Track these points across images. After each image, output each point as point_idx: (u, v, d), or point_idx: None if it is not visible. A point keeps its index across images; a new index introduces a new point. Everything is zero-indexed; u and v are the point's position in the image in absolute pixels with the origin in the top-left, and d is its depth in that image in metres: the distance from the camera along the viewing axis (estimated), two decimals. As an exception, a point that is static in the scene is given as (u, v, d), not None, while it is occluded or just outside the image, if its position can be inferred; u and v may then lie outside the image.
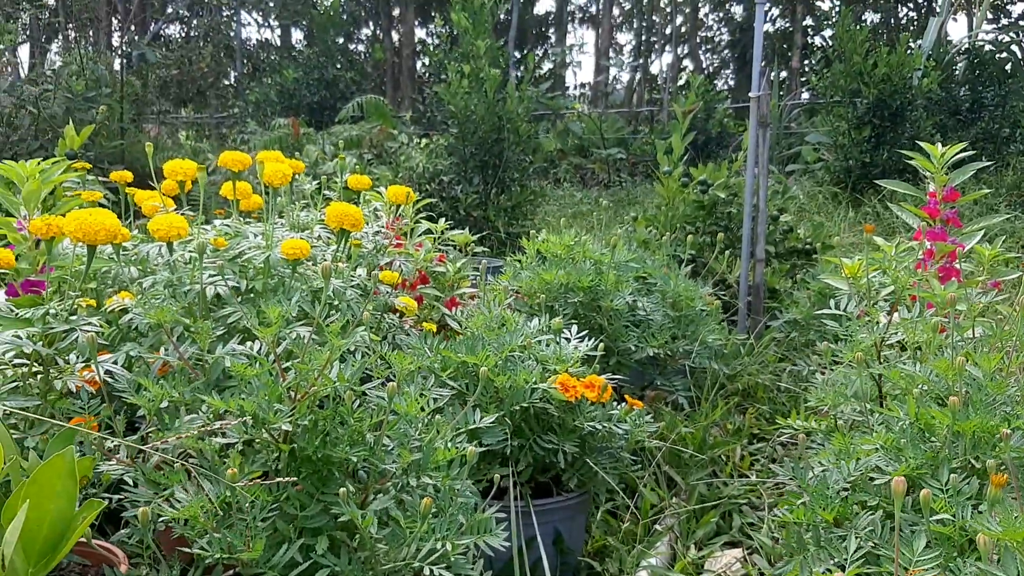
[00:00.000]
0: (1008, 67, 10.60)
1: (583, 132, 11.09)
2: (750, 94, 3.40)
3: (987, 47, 10.54)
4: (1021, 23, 17.79)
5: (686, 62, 20.67)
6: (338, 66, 11.25)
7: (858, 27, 7.46)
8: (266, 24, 18.75)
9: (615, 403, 2.02)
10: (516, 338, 1.93)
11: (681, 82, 16.08)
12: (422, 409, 1.52)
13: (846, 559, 1.25)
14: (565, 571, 1.92)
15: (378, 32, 18.95)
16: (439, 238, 3.10)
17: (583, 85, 20.58)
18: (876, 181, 3.43)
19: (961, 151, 2.37)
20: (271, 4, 16.23)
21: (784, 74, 19.02)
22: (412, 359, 1.54)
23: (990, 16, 18.33)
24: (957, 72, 10.60)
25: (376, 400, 1.53)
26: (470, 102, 5.43)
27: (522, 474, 1.84)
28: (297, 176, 2.39)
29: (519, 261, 2.75)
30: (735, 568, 2.03)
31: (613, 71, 21.03)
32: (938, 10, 11.32)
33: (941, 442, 1.36)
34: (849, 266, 2.27)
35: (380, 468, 1.36)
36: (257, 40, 19.17)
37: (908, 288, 1.90)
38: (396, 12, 20.26)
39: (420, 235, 3.10)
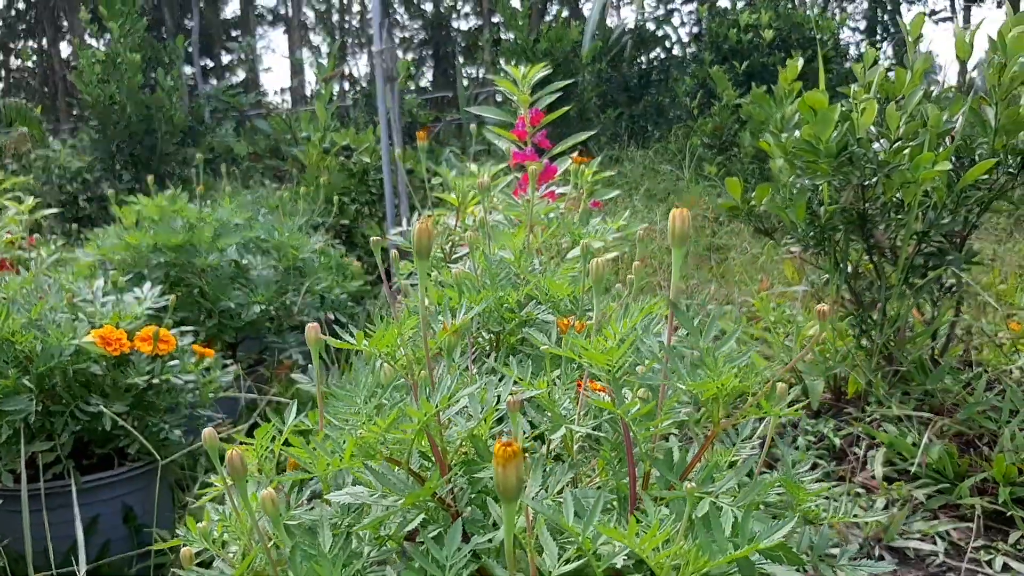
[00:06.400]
0: (670, 45, 11.60)
1: (272, 131, 10.68)
2: (372, 48, 3.33)
3: (648, 25, 11.44)
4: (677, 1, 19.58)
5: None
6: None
7: (519, 7, 7.73)
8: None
9: (192, 357, 1.83)
10: (53, 296, 1.68)
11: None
12: None
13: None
14: (142, 547, 1.71)
15: (43, 43, 17.22)
16: (26, 219, 2.75)
17: (283, 90, 20.00)
18: (467, 109, 3.49)
19: (567, 85, 2.42)
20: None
21: (483, 71, 19.68)
22: None
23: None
24: (627, 50, 11.41)
25: None
26: (107, 90, 4.96)
27: (64, 447, 1.60)
28: None
29: (111, 227, 2.48)
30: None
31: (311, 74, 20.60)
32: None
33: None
34: (451, 198, 2.27)
35: None
36: None
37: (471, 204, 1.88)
38: (65, 24, 18.54)
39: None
